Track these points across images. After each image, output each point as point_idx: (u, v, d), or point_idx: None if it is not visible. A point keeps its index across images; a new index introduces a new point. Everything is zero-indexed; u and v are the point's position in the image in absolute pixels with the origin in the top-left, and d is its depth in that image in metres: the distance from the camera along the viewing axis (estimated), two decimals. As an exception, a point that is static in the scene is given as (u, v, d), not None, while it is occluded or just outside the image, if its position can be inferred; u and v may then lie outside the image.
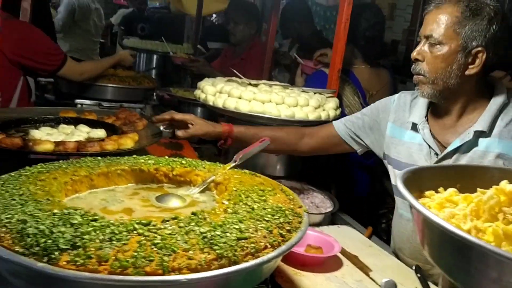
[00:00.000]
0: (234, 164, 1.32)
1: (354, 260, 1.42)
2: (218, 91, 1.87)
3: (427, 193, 0.75)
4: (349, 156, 2.63)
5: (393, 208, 3.26)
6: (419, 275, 1.00)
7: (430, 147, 1.44)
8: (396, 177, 1.51)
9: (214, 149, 2.38)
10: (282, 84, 2.10)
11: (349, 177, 2.61)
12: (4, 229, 0.81)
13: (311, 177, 2.25)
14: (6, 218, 0.84)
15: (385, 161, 1.64)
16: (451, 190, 0.74)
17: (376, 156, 2.78)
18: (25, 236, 0.78)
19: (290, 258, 1.32)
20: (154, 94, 3.51)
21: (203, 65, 3.47)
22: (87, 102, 2.96)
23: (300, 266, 1.32)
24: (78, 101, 2.95)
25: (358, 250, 1.49)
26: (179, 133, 1.61)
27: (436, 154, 1.43)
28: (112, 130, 1.71)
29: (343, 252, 1.44)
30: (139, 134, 1.71)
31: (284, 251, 0.88)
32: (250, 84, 1.97)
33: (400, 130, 1.54)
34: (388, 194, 3.18)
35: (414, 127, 1.49)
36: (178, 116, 1.64)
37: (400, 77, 3.51)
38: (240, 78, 2.06)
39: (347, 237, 1.58)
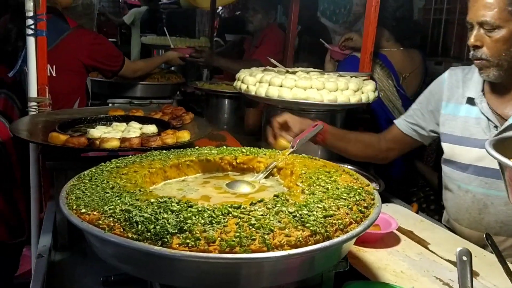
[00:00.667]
0: (292, 149, 1.37)
1: (410, 235, 1.48)
2: (258, 81, 1.92)
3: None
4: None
5: (424, 186, 3.32)
6: (489, 242, 1.05)
7: (489, 119, 1.47)
8: (449, 152, 1.56)
9: (252, 137, 2.43)
10: (318, 70, 2.14)
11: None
12: (111, 219, 0.87)
13: (351, 160, 2.31)
14: (110, 209, 0.90)
15: (442, 144, 1.65)
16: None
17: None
18: (134, 224, 0.84)
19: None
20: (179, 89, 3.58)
21: (209, 56, 3.45)
22: (118, 100, 3.04)
23: (361, 243, 1.38)
24: (109, 100, 3.03)
25: (411, 226, 1.54)
26: (291, 136, 1.54)
27: (496, 126, 1.46)
28: (161, 125, 1.77)
29: (398, 228, 1.49)
30: (188, 127, 1.77)
31: (368, 225, 0.93)
32: (288, 72, 2.02)
33: (455, 106, 1.57)
34: (419, 174, 3.23)
35: (470, 101, 1.53)
36: (283, 119, 1.60)
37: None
38: (276, 66, 2.10)
39: (399, 214, 1.63)
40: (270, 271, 0.86)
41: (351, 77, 2.04)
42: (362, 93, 1.92)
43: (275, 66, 2.15)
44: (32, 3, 1.77)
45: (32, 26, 1.79)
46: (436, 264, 1.29)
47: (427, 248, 1.39)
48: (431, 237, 1.46)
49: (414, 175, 3.23)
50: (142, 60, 3.19)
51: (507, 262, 1.06)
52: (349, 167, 1.95)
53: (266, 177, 1.30)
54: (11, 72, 2.13)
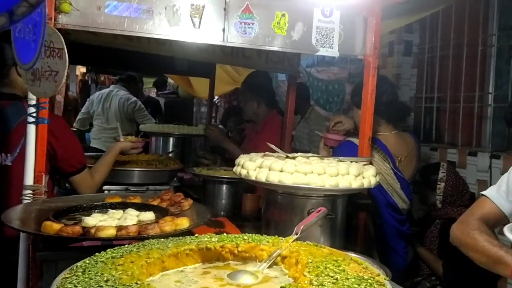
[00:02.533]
0: (296, 236, 1.32)
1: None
2: (258, 166, 1.90)
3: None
4: (386, 223, 2.62)
5: (429, 275, 3.17)
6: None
7: None
8: None
9: (250, 223, 2.37)
10: (318, 155, 2.14)
11: (387, 244, 2.58)
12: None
13: (353, 245, 2.23)
14: (104, 307, 0.83)
15: None
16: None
17: (410, 223, 2.76)
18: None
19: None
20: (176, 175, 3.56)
21: (219, 134, 3.65)
22: (115, 187, 2.99)
23: None
24: (105, 187, 2.98)
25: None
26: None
27: None
28: (159, 212, 1.72)
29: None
30: (186, 213, 1.72)
31: (385, 321, 0.86)
32: (287, 157, 2.01)
33: None
34: (421, 260, 3.12)
35: None
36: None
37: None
38: (274, 152, 2.11)
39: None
40: None
41: (351, 162, 2.03)
42: (363, 178, 1.90)
43: (274, 151, 2.15)
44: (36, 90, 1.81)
45: (34, 114, 1.81)
46: None
47: None
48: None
49: (417, 263, 3.12)
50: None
51: None
52: (353, 255, 1.88)
53: (269, 267, 1.23)
54: (8, 159, 2.12)
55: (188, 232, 1.47)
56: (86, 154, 2.72)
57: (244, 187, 2.70)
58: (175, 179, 3.59)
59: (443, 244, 3.01)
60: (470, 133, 3.53)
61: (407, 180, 2.71)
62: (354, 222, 2.31)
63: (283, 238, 1.33)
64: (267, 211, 2.02)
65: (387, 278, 1.06)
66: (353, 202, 2.23)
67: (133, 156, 3.30)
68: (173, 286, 1.07)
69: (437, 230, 3.03)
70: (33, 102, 1.81)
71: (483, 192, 1.66)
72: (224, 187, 2.91)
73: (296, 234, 1.33)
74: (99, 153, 3.40)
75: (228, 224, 2.15)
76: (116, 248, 1.20)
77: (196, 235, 1.33)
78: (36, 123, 1.82)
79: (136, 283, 0.93)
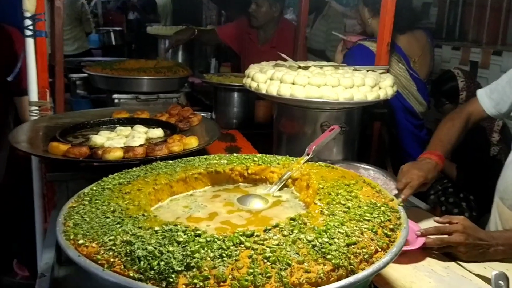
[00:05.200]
0: (307, 157, 1.28)
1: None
2: (269, 78, 1.81)
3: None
4: (402, 129, 2.57)
5: (441, 178, 3.21)
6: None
7: None
8: None
9: (263, 132, 2.34)
10: (333, 64, 2.03)
11: (402, 150, 2.54)
12: (111, 253, 0.79)
13: (367, 156, 2.21)
14: (110, 240, 0.82)
15: None
16: None
17: (427, 128, 2.69)
18: (137, 260, 0.76)
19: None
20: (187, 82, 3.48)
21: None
22: (124, 96, 2.94)
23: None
24: (115, 95, 2.93)
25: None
26: (406, 192, 1.44)
27: None
28: (168, 128, 1.69)
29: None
30: (195, 130, 1.69)
31: (396, 253, 0.84)
32: (300, 67, 1.90)
33: None
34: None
35: None
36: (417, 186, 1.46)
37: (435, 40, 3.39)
38: (285, 60, 1.99)
39: (420, 221, 1.54)
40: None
41: (368, 71, 1.92)
42: (380, 88, 1.80)
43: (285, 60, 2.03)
44: (31, 2, 1.68)
45: (31, 27, 1.70)
46: (465, 281, 1.20)
47: (455, 261, 1.29)
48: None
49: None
50: None
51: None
52: (366, 166, 1.86)
53: (280, 189, 1.21)
54: (11, 75, 2.05)
55: (198, 152, 1.44)
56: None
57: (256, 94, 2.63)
58: (186, 84, 3.52)
59: (457, 148, 2.98)
60: (496, 30, 3.31)
61: (423, 80, 2.60)
62: (368, 132, 2.26)
63: (294, 159, 1.29)
64: (279, 124, 1.97)
65: (401, 204, 1.03)
66: (368, 111, 2.16)
67: (141, 62, 3.22)
68: (181, 212, 1.05)
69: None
70: (28, 14, 1.69)
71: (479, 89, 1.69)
72: (235, 94, 2.85)
73: (308, 155, 1.28)
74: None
75: (239, 137, 2.12)
76: (123, 172, 1.17)
77: (205, 156, 1.29)
78: (34, 36, 1.72)
79: (143, 215, 0.91)
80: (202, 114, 2.65)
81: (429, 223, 1.48)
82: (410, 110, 2.59)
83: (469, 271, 1.24)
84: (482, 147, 2.72)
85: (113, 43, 7.42)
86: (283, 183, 1.21)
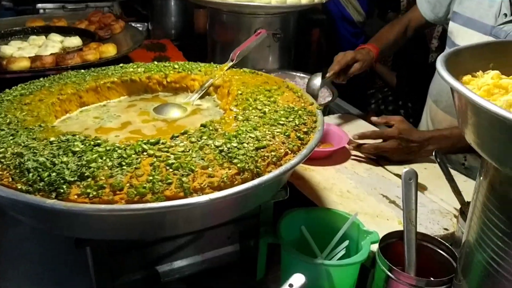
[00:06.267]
0: (231, 63, 1.21)
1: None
2: (199, -20, 1.68)
3: (465, 78, 0.66)
4: (340, 37, 2.53)
5: (382, 87, 3.25)
6: (438, 160, 0.98)
7: (502, 4, 1.29)
8: (454, 33, 1.43)
9: (202, 42, 2.22)
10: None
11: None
12: (0, 165, 0.73)
13: (304, 64, 2.16)
14: (0, 153, 0.75)
15: (450, 24, 1.50)
16: (494, 73, 0.66)
17: (365, 35, 2.66)
18: (25, 172, 0.70)
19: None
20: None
21: None
22: (50, 5, 2.69)
23: (309, 162, 1.30)
24: (40, 5, 2.67)
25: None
26: (333, 68, 1.49)
27: (505, 14, 1.29)
28: (87, 36, 1.55)
29: (349, 141, 1.41)
30: (118, 38, 1.56)
31: (306, 155, 0.82)
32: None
33: None
34: (377, 74, 3.15)
35: None
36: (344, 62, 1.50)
37: None
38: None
39: (352, 125, 1.55)
40: (193, 216, 0.76)
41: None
42: (315, -9, 1.71)
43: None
44: None
45: None
46: (384, 180, 1.23)
47: (378, 164, 1.32)
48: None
49: (372, 77, 3.15)
50: None
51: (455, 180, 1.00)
52: (302, 75, 1.83)
53: (201, 97, 1.15)
54: None
55: (117, 61, 1.34)
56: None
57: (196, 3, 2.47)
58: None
59: (397, 56, 2.99)
60: None
61: None
62: (307, 38, 2.20)
63: (218, 66, 1.22)
64: (212, 32, 1.87)
65: (320, 107, 1.01)
66: (306, 18, 2.08)
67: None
68: (91, 123, 0.99)
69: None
70: None
71: None
72: (173, 2, 2.66)
73: (232, 61, 1.22)
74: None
75: (170, 47, 2.00)
76: (28, 82, 1.08)
77: (121, 65, 1.20)
78: None
79: (40, 126, 0.84)
80: (138, 25, 2.49)
81: (361, 128, 1.49)
82: (348, 18, 2.56)
83: (390, 172, 1.28)
84: (422, 54, 2.73)
85: None
86: (204, 91, 1.15)
